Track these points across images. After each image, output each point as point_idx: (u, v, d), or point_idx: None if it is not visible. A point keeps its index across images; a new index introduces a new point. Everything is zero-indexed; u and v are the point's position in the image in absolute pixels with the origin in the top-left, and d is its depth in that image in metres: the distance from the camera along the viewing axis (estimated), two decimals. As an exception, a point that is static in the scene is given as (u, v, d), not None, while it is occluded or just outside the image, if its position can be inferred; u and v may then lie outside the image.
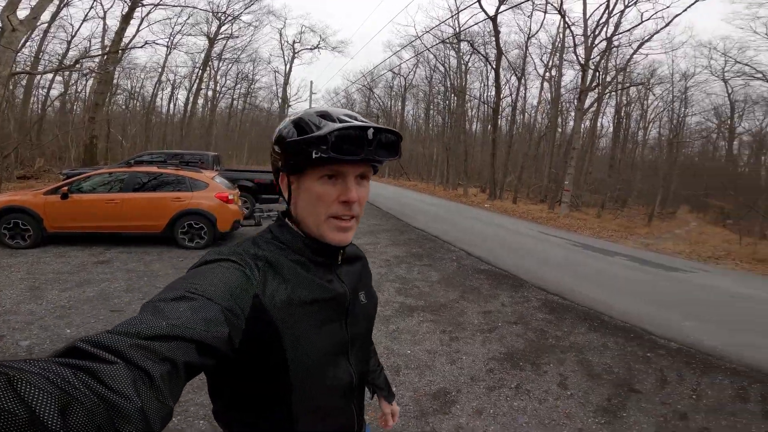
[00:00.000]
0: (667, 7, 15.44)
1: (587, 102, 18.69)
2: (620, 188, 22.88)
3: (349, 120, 0.68)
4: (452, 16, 21.59)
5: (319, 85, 76.91)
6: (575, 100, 19.08)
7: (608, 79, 20.53)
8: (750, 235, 14.32)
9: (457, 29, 22.19)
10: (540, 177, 24.69)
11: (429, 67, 31.00)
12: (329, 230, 0.71)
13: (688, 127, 25.22)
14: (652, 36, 17.62)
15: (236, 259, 0.65)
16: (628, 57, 19.37)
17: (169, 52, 24.25)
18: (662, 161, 23.89)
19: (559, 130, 24.90)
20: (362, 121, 0.68)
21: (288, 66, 31.37)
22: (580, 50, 17.35)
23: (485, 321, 4.18)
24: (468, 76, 27.55)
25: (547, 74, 24.97)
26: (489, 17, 19.34)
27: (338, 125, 0.64)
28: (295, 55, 31.35)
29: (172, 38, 23.38)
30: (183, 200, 6.39)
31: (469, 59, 26.55)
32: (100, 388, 0.35)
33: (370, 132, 0.65)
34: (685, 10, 14.02)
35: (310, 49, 31.39)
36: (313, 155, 0.63)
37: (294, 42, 30.95)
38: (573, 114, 20.35)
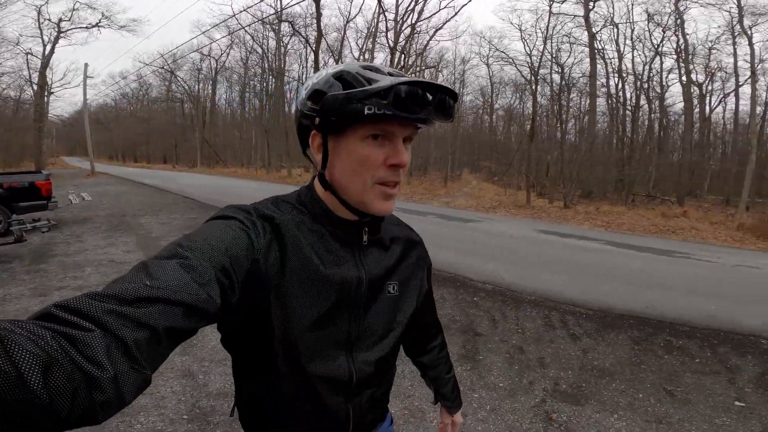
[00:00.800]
0: (459, -4, 18.62)
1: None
2: (422, 157, 26.59)
3: (401, 75, 0.61)
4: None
5: (98, 68, 61.58)
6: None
7: (410, 62, 23.14)
8: (511, 187, 18.85)
9: (279, 9, 21.00)
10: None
11: (245, 49, 28.64)
12: (375, 198, 0.64)
13: (465, 105, 31.03)
14: (445, 24, 20.87)
15: (244, 218, 0.61)
16: (425, 42, 22.29)
17: None
18: (449, 133, 28.75)
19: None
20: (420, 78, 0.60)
21: (49, 47, 23.43)
22: (391, 35, 19.09)
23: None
24: (287, 57, 26.72)
25: (361, 57, 26.45)
26: (312, -3, 18.98)
27: (403, 79, 0.57)
28: (62, 35, 23.58)
29: None
30: None
31: (289, 41, 25.66)
32: (75, 355, 0.35)
33: (428, 91, 0.59)
34: (470, 1, 17.06)
35: (86, 27, 24.13)
36: (366, 111, 0.56)
37: (61, 20, 23.13)
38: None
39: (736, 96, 21.76)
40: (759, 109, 18.19)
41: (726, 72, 20.37)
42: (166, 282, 0.45)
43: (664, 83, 20.85)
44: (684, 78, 19.75)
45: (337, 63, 26.07)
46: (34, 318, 0.38)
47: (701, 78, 20.41)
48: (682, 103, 20.49)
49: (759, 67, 16.95)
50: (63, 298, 0.41)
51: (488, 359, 3.07)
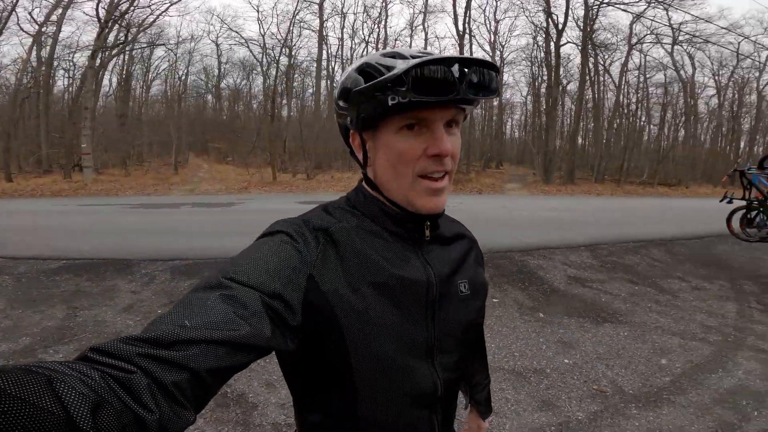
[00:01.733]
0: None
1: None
2: (138, 144, 22.32)
3: (426, 55, 0.54)
4: None
5: None
6: (87, 59, 16.11)
7: (127, 37, 18.38)
8: (252, 167, 18.85)
9: None
10: (33, 144, 19.22)
11: None
12: (419, 195, 0.59)
13: (187, 84, 27.81)
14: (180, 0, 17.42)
15: (292, 231, 0.57)
16: (149, 16, 18.05)
17: None
18: (171, 115, 25.21)
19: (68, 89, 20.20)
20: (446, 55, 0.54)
21: None
22: (102, 6, 14.62)
23: (138, 319, 3.48)
24: None
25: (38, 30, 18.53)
26: None
27: (416, 60, 0.51)
28: None
29: None
30: None
31: None
32: (124, 395, 0.35)
33: (456, 67, 0.51)
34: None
35: None
36: (389, 102, 0.52)
37: None
38: (74, 72, 17.06)
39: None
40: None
41: (405, 61, 27.62)
42: (206, 319, 0.43)
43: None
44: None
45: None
46: (80, 359, 0.38)
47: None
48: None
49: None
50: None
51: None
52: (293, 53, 21.26)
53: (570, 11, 19.09)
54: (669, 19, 19.97)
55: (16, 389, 0.28)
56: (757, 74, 26.01)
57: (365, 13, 24.50)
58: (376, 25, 24.08)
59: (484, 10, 24.31)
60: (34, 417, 0.28)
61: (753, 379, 2.78)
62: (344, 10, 23.07)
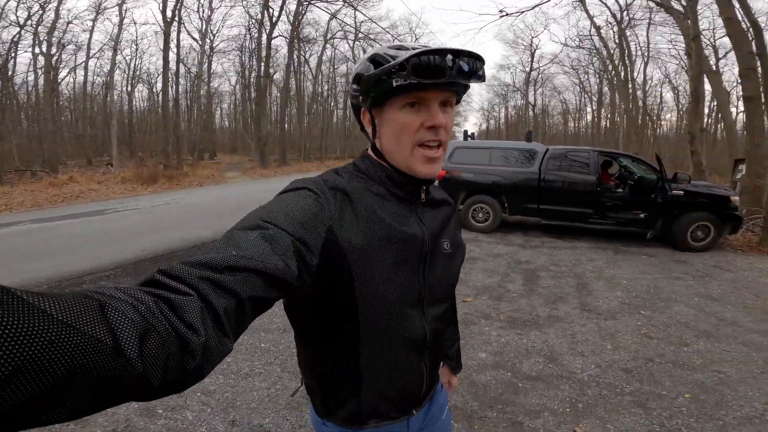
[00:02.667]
0: None
1: None
2: None
3: (425, 48, 0.65)
4: None
5: None
6: None
7: None
8: None
9: None
10: None
11: None
12: (418, 161, 0.69)
13: None
14: None
15: (314, 188, 0.64)
16: None
17: None
18: None
19: None
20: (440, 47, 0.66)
21: None
22: None
23: None
24: None
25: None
26: None
27: (415, 51, 0.62)
28: None
29: None
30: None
31: None
32: (173, 318, 0.37)
33: (449, 57, 0.63)
34: None
35: None
36: (394, 84, 0.63)
37: None
38: None
39: (85, 69, 23.79)
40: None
41: (77, 45, 21.47)
42: (250, 252, 0.47)
43: (10, 54, 18.36)
44: (37, 49, 18.53)
45: None
46: (141, 283, 0.41)
47: (54, 50, 19.96)
48: (32, 74, 19.41)
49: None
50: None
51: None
52: None
53: (285, 5, 20.21)
54: (355, 18, 24.09)
55: (67, 315, 0.28)
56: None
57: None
58: (41, 8, 17.28)
59: (200, -1, 21.91)
60: (81, 345, 0.27)
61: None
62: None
